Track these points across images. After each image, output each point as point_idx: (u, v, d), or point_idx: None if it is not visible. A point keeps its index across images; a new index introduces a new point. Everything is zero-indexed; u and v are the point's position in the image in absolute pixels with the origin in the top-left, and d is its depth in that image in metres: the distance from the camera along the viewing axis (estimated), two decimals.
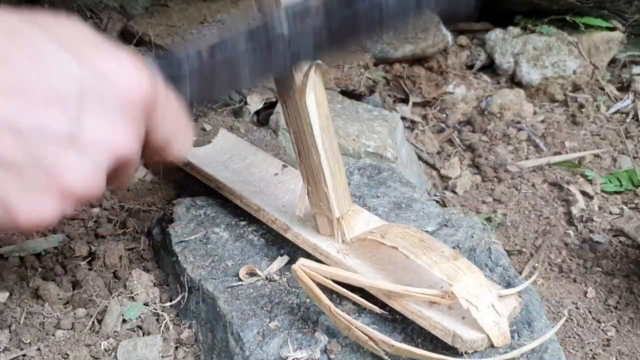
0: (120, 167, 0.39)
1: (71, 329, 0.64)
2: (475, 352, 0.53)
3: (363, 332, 0.54)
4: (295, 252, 0.66)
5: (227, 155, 0.80)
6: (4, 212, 0.35)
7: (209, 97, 0.55)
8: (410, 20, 0.52)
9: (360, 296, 0.57)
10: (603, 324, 0.81)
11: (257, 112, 1.05)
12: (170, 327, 0.65)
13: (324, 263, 0.62)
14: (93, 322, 0.65)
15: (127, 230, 0.79)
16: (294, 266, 0.55)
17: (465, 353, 0.53)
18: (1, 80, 0.33)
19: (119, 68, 0.37)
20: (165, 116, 0.41)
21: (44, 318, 0.65)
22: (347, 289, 0.57)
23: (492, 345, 0.54)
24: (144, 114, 0.39)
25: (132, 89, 0.37)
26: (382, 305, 0.58)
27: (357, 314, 0.59)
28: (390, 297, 0.57)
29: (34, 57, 0.35)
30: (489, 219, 1.02)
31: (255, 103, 1.03)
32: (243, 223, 0.72)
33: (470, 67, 1.45)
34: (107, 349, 0.62)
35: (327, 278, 0.56)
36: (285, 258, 0.66)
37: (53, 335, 0.63)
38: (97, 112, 0.36)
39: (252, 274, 0.65)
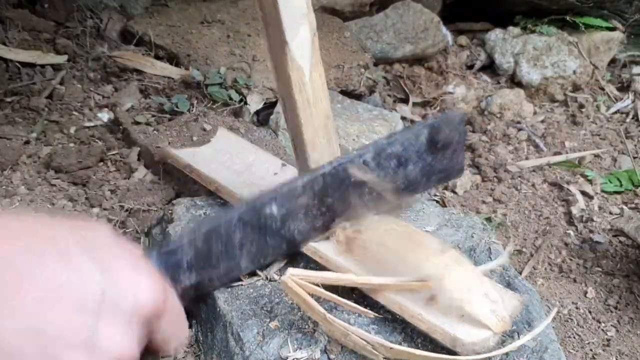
0: None
1: None
2: (477, 354, 0.53)
3: (360, 337, 0.54)
4: (295, 253, 0.66)
5: (227, 156, 0.80)
6: None
7: (206, 288, 0.60)
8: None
9: (359, 297, 0.57)
10: (603, 324, 0.81)
11: (257, 112, 1.05)
12: None
13: (324, 266, 0.62)
14: None
15: (127, 230, 0.79)
16: (283, 278, 0.54)
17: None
18: (32, 282, 0.35)
19: (137, 282, 0.40)
20: (168, 321, 0.44)
21: None
22: (342, 294, 0.57)
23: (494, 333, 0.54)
24: (152, 321, 0.42)
25: (147, 303, 0.40)
26: (381, 308, 0.58)
27: (356, 315, 0.59)
28: (378, 294, 0.57)
29: (63, 263, 0.37)
30: (489, 219, 1.02)
31: (255, 103, 1.03)
32: None
33: (470, 67, 1.45)
34: None
35: (318, 285, 0.55)
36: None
37: None
38: (112, 322, 0.38)
39: (252, 274, 0.65)
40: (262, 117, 1.03)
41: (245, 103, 1.04)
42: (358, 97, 1.16)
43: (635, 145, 1.24)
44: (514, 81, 1.41)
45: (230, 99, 1.02)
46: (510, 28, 1.46)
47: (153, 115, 0.99)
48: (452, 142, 0.63)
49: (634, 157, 1.19)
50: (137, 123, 0.96)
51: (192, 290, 0.54)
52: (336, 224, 0.62)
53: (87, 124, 0.98)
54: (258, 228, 0.57)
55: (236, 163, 0.78)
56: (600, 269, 0.90)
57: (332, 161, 0.60)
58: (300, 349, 0.55)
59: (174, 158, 0.81)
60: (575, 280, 0.89)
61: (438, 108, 1.34)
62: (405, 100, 1.33)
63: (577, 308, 0.83)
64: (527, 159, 1.20)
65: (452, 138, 0.63)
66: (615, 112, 1.35)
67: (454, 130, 0.63)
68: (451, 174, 0.68)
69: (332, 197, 0.59)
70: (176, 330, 0.46)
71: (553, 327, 0.61)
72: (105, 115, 1.00)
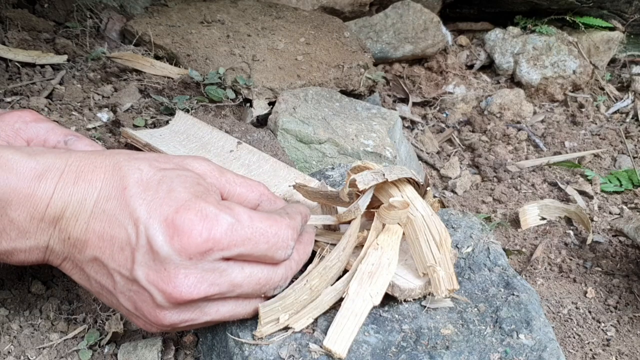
0: None
1: (72, 330, 0.64)
2: (414, 300, 0.58)
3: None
4: None
5: (183, 136, 0.82)
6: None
7: None
8: None
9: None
10: (603, 324, 0.81)
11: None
12: None
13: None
14: (94, 322, 0.65)
15: None
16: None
17: (405, 301, 0.58)
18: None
19: None
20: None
21: (45, 321, 0.65)
22: None
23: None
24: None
25: None
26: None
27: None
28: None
29: None
30: (488, 219, 1.02)
31: (260, 108, 1.03)
32: None
33: (470, 67, 1.45)
34: (108, 349, 0.62)
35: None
36: None
37: (52, 339, 0.63)
38: None
39: None
40: (261, 118, 1.03)
41: (243, 102, 1.04)
42: (358, 97, 1.16)
43: (635, 145, 1.24)
44: (514, 81, 1.41)
45: (227, 97, 1.02)
46: (510, 28, 1.46)
47: (152, 117, 0.99)
48: None
49: (634, 157, 1.19)
50: (136, 126, 0.96)
51: None
52: None
53: (87, 124, 0.98)
54: None
55: (192, 142, 0.81)
56: (600, 269, 0.90)
57: None
58: (300, 349, 0.55)
59: (133, 138, 0.84)
60: (575, 280, 0.89)
61: (438, 108, 1.34)
62: (405, 100, 1.33)
63: (577, 308, 0.83)
64: (526, 158, 1.20)
65: None
66: (615, 112, 1.35)
67: None
68: None
69: None
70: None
71: (553, 327, 0.61)
72: (105, 115, 0.99)
